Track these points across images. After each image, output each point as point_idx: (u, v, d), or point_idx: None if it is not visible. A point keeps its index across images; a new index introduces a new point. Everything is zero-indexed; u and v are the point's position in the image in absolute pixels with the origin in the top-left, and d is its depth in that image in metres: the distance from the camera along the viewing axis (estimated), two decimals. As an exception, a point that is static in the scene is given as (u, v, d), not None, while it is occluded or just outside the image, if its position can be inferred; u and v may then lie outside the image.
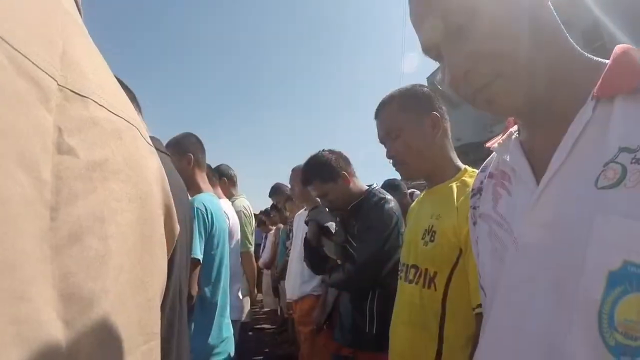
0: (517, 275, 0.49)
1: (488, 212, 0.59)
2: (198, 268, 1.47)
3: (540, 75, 0.48)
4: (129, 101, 0.35)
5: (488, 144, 0.69)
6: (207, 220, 1.57)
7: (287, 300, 2.61)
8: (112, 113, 0.30)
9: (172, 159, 1.70)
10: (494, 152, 0.69)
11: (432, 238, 0.99)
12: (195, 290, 1.45)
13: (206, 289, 1.56)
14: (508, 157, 0.57)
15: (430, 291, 0.99)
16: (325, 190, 1.69)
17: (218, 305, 1.60)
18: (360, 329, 1.50)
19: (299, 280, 2.33)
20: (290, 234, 3.21)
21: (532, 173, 0.51)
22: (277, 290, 4.60)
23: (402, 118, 1.10)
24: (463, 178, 1.05)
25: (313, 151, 1.83)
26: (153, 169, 0.36)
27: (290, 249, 3.15)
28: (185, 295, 0.98)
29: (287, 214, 3.83)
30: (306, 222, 1.94)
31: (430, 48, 0.54)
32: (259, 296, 5.31)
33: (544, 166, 0.48)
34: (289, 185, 2.81)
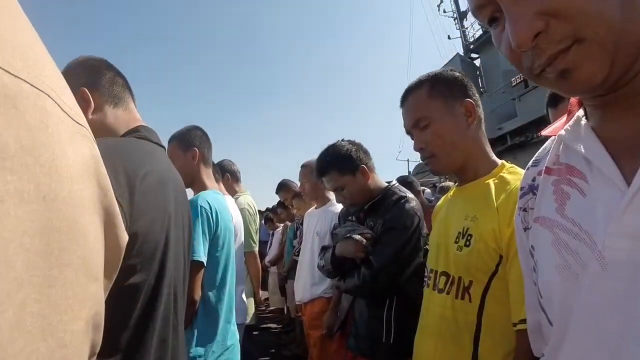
0: (605, 300, 0.39)
1: (551, 216, 0.48)
2: (202, 271, 1.36)
3: (631, 43, 0.37)
4: (53, 67, 0.25)
5: (545, 132, 0.57)
6: (211, 220, 1.45)
7: (297, 303, 2.50)
8: (9, 73, 0.20)
9: (176, 153, 1.60)
10: (546, 143, 0.57)
11: (468, 243, 0.87)
12: (198, 295, 1.34)
13: (210, 294, 1.44)
14: (582, 147, 0.45)
15: (464, 302, 0.88)
16: (342, 183, 1.55)
17: (223, 311, 1.48)
18: (376, 337, 1.39)
19: (309, 282, 2.21)
20: (298, 232, 3.10)
21: (618, 168, 0.40)
22: (283, 289, 4.51)
23: (432, 105, 0.97)
24: (501, 174, 0.93)
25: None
26: (78, 159, 0.25)
27: (297, 248, 3.04)
28: (181, 304, 0.86)
29: (294, 211, 3.72)
30: (333, 234, 1.70)
31: (485, 5, 0.43)
32: (264, 295, 5.23)
33: (629, 160, 0.39)
34: (298, 183, 2.69)
